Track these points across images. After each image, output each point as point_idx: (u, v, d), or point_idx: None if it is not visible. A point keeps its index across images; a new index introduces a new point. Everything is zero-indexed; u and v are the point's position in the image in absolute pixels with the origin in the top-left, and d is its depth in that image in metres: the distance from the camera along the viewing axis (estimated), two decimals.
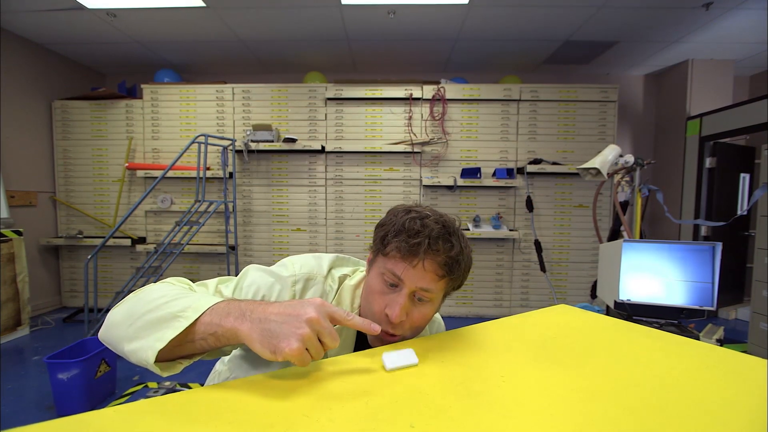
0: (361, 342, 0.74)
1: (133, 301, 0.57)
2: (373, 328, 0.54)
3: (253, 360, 0.73)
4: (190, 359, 0.55)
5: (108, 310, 2.56)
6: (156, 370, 0.51)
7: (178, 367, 0.54)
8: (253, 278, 0.71)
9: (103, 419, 0.42)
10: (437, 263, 0.64)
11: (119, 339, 0.54)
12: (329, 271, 0.77)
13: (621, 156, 2.15)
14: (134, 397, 2.05)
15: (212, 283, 0.69)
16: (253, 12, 2.83)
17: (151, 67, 3.82)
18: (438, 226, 0.65)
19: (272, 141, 3.29)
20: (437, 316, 0.87)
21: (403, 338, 0.68)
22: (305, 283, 0.72)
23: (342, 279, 0.77)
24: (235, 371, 0.75)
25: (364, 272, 0.78)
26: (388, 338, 0.67)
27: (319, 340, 0.50)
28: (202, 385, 0.54)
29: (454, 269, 0.66)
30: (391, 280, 0.65)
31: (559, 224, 3.47)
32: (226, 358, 0.81)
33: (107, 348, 2.00)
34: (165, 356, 0.51)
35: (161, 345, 0.49)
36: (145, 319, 0.52)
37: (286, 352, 0.47)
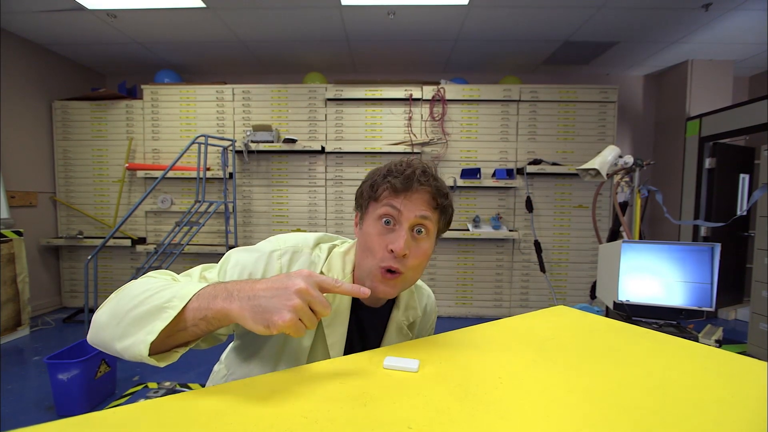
0: (353, 308, 0.74)
1: (116, 300, 0.56)
2: (363, 292, 0.54)
3: (245, 351, 0.74)
4: (186, 346, 0.55)
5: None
6: (152, 361, 0.51)
7: (175, 356, 0.54)
8: (237, 258, 0.71)
9: (104, 421, 0.43)
10: (429, 193, 0.68)
11: (109, 339, 0.54)
12: (316, 244, 0.77)
13: (620, 157, 2.15)
14: (134, 397, 2.06)
15: (196, 271, 0.70)
16: (253, 12, 2.83)
17: (152, 68, 3.82)
18: (422, 166, 0.69)
19: (272, 141, 3.29)
20: (427, 288, 0.90)
21: (404, 278, 0.68)
22: (292, 256, 0.72)
23: (331, 248, 0.78)
24: (232, 367, 0.76)
25: (354, 242, 0.79)
26: (389, 276, 0.67)
27: (312, 310, 0.50)
28: (203, 385, 0.54)
29: (444, 201, 0.70)
30: (390, 216, 0.67)
31: (558, 225, 3.47)
32: (222, 356, 0.82)
33: None
34: (159, 348, 0.52)
35: (152, 337, 0.49)
36: (131, 315, 0.52)
37: (280, 324, 0.47)
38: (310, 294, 0.50)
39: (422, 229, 0.68)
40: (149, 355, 0.50)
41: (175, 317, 0.50)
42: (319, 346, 0.71)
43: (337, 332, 0.71)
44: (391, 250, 0.65)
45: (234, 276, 0.68)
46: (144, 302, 0.52)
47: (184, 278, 0.66)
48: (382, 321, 0.79)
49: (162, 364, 0.53)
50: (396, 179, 0.67)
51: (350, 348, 0.74)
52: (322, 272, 0.73)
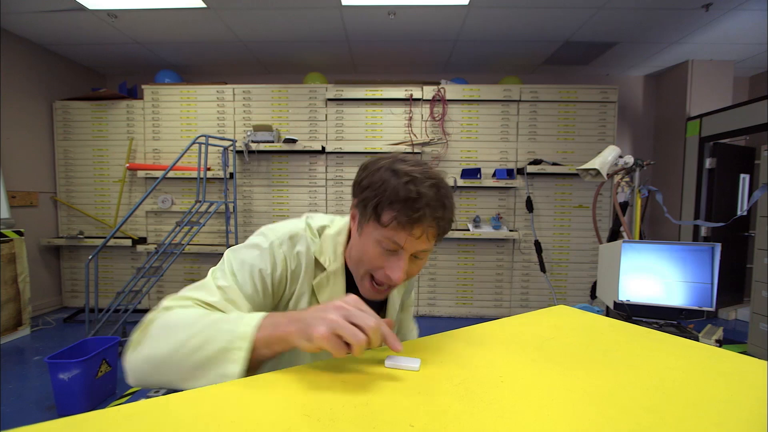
0: (349, 286, 0.76)
1: (157, 343, 0.55)
2: (396, 347, 0.54)
3: None
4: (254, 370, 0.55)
5: (108, 311, 2.57)
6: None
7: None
8: (241, 258, 0.68)
9: (104, 420, 0.43)
10: (435, 227, 0.66)
11: (168, 382, 0.55)
12: (307, 226, 0.77)
13: (621, 157, 2.15)
14: (135, 397, 2.06)
15: (210, 282, 0.66)
16: (254, 13, 2.83)
17: (152, 68, 3.82)
18: (433, 191, 0.63)
19: (273, 141, 3.29)
20: None
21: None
22: (290, 241, 0.72)
23: (321, 230, 0.77)
24: None
25: (344, 221, 0.79)
26: (383, 290, 0.70)
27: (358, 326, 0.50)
28: (185, 388, 0.54)
29: (447, 229, 0.68)
30: (392, 248, 0.66)
31: (558, 225, 3.47)
32: None
33: (108, 348, 2.02)
34: None
35: (229, 379, 0.51)
36: (192, 361, 0.52)
37: (316, 336, 0.49)
38: (346, 309, 0.51)
39: (420, 256, 0.69)
40: None
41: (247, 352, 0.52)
42: None
43: None
44: (388, 275, 0.66)
45: (246, 275, 0.67)
46: (199, 348, 0.52)
47: (201, 293, 0.63)
48: (381, 302, 0.82)
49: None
50: (404, 216, 0.62)
51: None
52: (314, 257, 0.74)
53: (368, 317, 0.52)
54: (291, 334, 0.52)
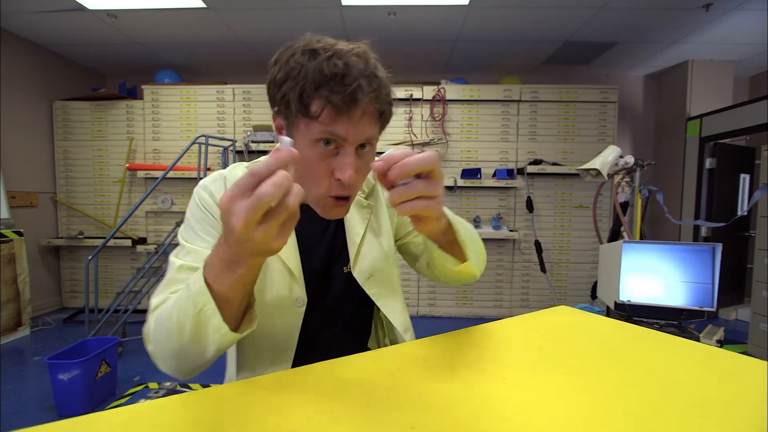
0: (301, 230, 0.67)
1: (162, 346, 0.55)
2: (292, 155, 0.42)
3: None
4: (250, 308, 0.53)
5: (108, 311, 2.57)
6: (243, 334, 0.51)
7: (252, 317, 0.52)
8: (184, 225, 0.66)
9: (104, 421, 0.43)
10: (374, 105, 0.56)
11: (196, 361, 0.54)
12: (233, 168, 0.72)
13: (621, 157, 2.15)
14: (135, 397, 2.06)
15: (176, 262, 0.62)
16: (254, 13, 2.83)
17: (152, 68, 3.82)
18: (362, 61, 0.54)
19: (272, 142, 3.29)
20: None
21: (354, 196, 0.64)
22: (212, 185, 0.67)
23: (253, 165, 0.69)
24: (230, 354, 0.74)
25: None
26: (341, 202, 0.61)
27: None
28: (203, 386, 0.54)
29: (387, 109, 0.59)
30: (333, 146, 0.56)
31: (559, 225, 3.47)
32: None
33: (108, 349, 2.02)
34: (234, 325, 0.50)
35: (224, 331, 0.48)
36: (187, 342, 0.51)
37: (233, 227, 0.39)
38: (233, 200, 0.39)
39: (366, 145, 0.59)
40: (236, 331, 0.49)
41: (216, 301, 0.47)
42: (273, 264, 0.67)
43: (288, 245, 0.67)
44: (339, 179, 0.57)
45: (191, 235, 0.65)
46: (183, 327, 0.50)
47: (177, 275, 0.61)
48: (339, 227, 0.75)
49: (249, 330, 0.52)
50: (336, 95, 0.52)
51: (311, 256, 0.71)
52: None
53: (273, 180, 0.39)
54: (232, 266, 0.45)
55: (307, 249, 0.71)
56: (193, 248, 0.63)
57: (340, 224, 0.75)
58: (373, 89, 0.54)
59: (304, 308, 0.70)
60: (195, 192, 0.69)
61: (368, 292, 0.74)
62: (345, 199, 0.61)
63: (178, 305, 0.51)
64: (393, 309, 0.78)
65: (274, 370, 0.69)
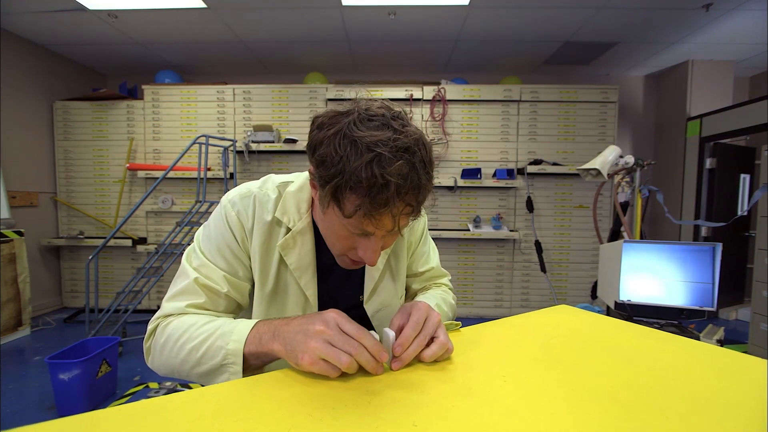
0: (321, 255, 0.71)
1: (168, 353, 0.62)
2: (382, 357, 0.52)
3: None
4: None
5: (109, 311, 2.57)
6: None
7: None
8: (206, 233, 0.69)
9: (104, 419, 0.43)
10: (408, 210, 0.55)
11: (186, 377, 0.62)
12: (264, 183, 0.72)
13: (621, 157, 2.15)
14: (135, 397, 2.06)
15: (189, 269, 0.66)
16: (254, 13, 2.83)
17: (152, 68, 3.82)
18: (405, 170, 0.50)
19: (273, 142, 3.29)
20: None
21: None
22: (241, 202, 0.68)
23: (283, 186, 0.71)
24: None
25: (305, 176, 0.71)
26: (359, 264, 0.65)
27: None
28: (203, 385, 0.55)
29: (423, 200, 0.57)
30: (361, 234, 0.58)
31: (559, 225, 3.47)
32: None
33: (108, 348, 2.02)
34: None
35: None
36: (196, 372, 0.59)
37: (302, 365, 0.51)
38: (327, 334, 0.51)
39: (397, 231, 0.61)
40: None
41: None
42: (291, 291, 0.71)
43: (308, 274, 0.70)
44: (361, 257, 0.60)
45: (212, 249, 0.67)
46: (200, 362, 0.58)
47: (198, 299, 0.65)
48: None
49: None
50: (369, 206, 0.51)
51: (328, 281, 0.73)
52: (275, 217, 0.68)
53: (349, 341, 0.51)
54: (277, 352, 0.55)
55: (325, 275, 0.73)
56: (208, 264, 0.67)
57: None
58: (410, 202, 0.54)
59: None
60: (223, 205, 0.69)
61: (372, 320, 0.78)
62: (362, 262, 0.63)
63: (204, 339, 0.59)
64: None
65: None
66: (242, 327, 0.58)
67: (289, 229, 0.68)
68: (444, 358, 0.58)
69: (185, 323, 0.62)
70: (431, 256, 0.89)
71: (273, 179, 0.73)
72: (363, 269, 0.76)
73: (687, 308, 1.65)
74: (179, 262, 0.70)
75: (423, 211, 0.85)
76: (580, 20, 2.91)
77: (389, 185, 0.50)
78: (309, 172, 0.61)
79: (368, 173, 0.49)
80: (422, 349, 0.56)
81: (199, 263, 0.67)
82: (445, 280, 0.93)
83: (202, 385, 0.55)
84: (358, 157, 0.50)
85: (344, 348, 0.50)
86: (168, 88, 3.48)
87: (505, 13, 2.81)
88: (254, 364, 0.58)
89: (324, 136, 0.53)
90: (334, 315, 0.54)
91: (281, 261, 0.69)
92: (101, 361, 1.96)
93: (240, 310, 0.73)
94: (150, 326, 0.65)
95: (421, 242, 0.86)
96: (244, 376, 0.56)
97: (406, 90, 3.36)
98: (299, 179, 0.72)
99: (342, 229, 0.58)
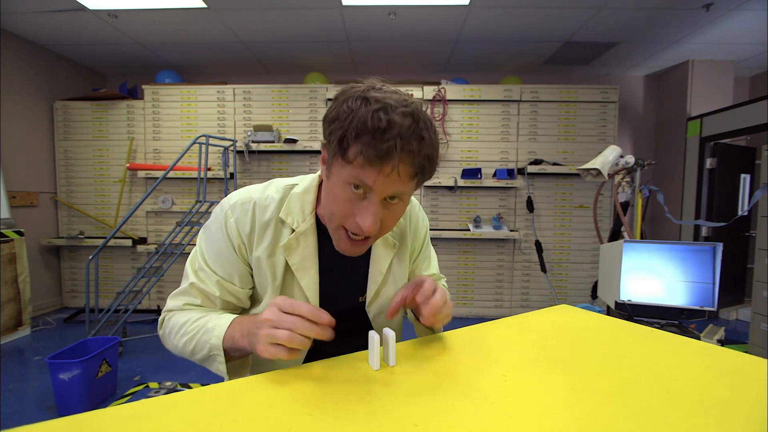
0: (324, 256, 0.72)
1: (172, 345, 0.72)
2: (322, 319, 0.55)
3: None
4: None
5: (109, 311, 2.57)
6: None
7: (246, 364, 0.73)
8: (206, 237, 0.73)
9: (104, 419, 0.43)
10: (410, 164, 0.56)
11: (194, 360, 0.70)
12: (267, 187, 0.73)
13: (621, 156, 2.15)
14: (135, 397, 2.05)
15: (190, 272, 0.73)
16: (254, 13, 2.83)
17: (152, 68, 3.82)
18: (408, 120, 0.54)
19: (273, 141, 3.29)
20: (414, 200, 0.83)
21: (374, 239, 0.67)
22: (240, 208, 0.69)
23: (288, 188, 0.73)
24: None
25: (313, 177, 0.74)
26: (360, 242, 0.63)
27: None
28: (203, 385, 0.56)
29: (427, 168, 0.59)
30: (361, 190, 0.58)
31: (559, 225, 3.47)
32: None
33: (108, 348, 2.02)
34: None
35: (225, 376, 0.65)
36: (196, 359, 0.68)
37: (261, 353, 0.54)
38: (272, 321, 0.54)
39: (396, 198, 0.60)
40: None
41: (224, 353, 0.64)
42: (295, 290, 0.72)
43: (309, 274, 0.71)
44: (358, 223, 0.60)
45: (210, 254, 0.72)
46: (194, 352, 0.67)
47: (195, 300, 0.72)
48: (365, 259, 0.77)
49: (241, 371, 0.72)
50: (371, 147, 0.53)
51: (330, 281, 0.74)
52: (281, 218, 0.70)
53: (286, 318, 0.54)
54: (247, 348, 0.60)
55: (328, 273, 0.74)
56: (205, 269, 0.71)
57: (365, 254, 0.76)
58: (410, 150, 0.55)
59: None
60: (223, 210, 0.70)
61: (373, 323, 0.79)
62: (360, 240, 0.63)
63: (195, 334, 0.67)
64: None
65: None
66: (223, 323, 0.64)
67: (293, 230, 0.70)
68: (445, 315, 0.65)
69: (181, 319, 0.70)
70: (432, 263, 0.92)
71: (277, 182, 0.75)
72: (366, 273, 0.77)
73: (687, 308, 1.65)
74: (179, 262, 0.74)
75: (424, 216, 0.88)
76: (580, 20, 2.91)
77: (392, 128, 0.53)
78: (321, 146, 0.64)
79: (374, 118, 0.53)
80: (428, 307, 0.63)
81: (198, 267, 0.72)
82: (443, 281, 0.96)
83: (202, 385, 0.56)
84: (367, 108, 0.54)
85: (282, 326, 0.53)
86: (168, 88, 3.48)
87: (505, 13, 2.81)
88: (235, 356, 0.65)
89: (339, 102, 0.58)
90: (275, 301, 0.56)
91: (286, 261, 0.71)
92: (101, 361, 1.96)
93: (239, 308, 0.76)
94: (160, 318, 0.75)
95: (424, 247, 0.88)
96: (229, 365, 0.64)
97: (406, 90, 3.34)
98: (304, 182, 0.74)
99: (342, 191, 0.59)
